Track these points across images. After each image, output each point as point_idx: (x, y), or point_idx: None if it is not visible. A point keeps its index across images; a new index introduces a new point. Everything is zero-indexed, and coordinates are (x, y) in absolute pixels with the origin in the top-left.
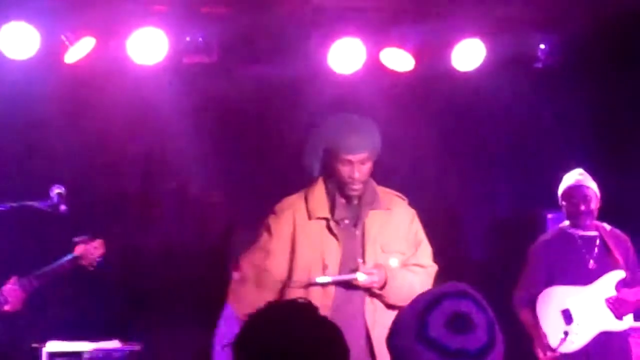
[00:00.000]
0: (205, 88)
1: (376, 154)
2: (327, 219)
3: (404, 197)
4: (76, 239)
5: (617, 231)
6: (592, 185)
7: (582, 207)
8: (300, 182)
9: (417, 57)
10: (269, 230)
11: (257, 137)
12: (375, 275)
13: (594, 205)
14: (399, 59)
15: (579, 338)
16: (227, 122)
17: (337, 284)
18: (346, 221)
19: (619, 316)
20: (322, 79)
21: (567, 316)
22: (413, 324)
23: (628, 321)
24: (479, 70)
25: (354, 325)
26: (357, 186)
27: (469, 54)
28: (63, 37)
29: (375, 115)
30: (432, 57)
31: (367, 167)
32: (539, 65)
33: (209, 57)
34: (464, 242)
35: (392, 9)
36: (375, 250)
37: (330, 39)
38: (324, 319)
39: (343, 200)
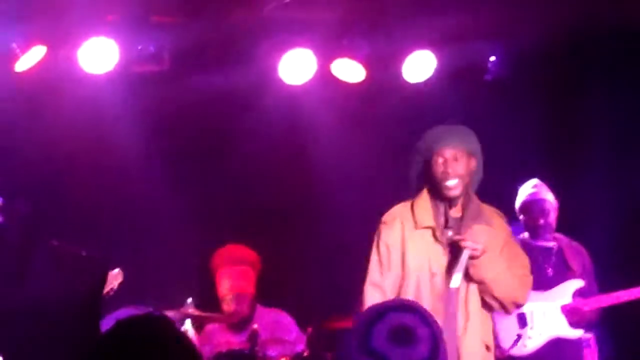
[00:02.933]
0: (156, 96)
1: (472, 154)
2: (432, 228)
3: (502, 214)
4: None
5: (575, 243)
6: (549, 197)
7: (541, 221)
8: (250, 190)
9: (368, 68)
10: (384, 241)
11: (208, 146)
12: (479, 243)
13: (552, 217)
14: (350, 70)
15: (532, 342)
16: (178, 130)
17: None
18: (449, 232)
19: (573, 324)
20: (273, 89)
21: (522, 320)
22: (357, 335)
23: (581, 330)
24: (429, 82)
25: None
26: (452, 182)
27: (419, 66)
28: (14, 45)
29: (325, 125)
30: (383, 68)
31: (462, 164)
32: (489, 77)
33: (159, 65)
34: None
35: (342, 20)
36: None
37: (281, 49)
38: (181, 334)
39: (444, 214)
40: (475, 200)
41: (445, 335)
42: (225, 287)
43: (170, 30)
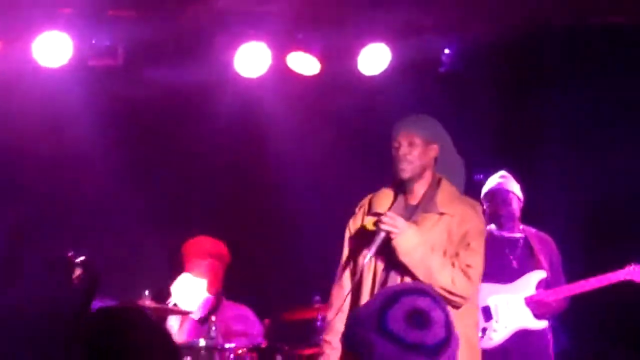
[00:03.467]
0: (111, 91)
1: (432, 142)
2: (380, 214)
3: (476, 205)
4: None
5: (542, 234)
6: (514, 188)
7: (502, 211)
8: (207, 185)
9: (323, 61)
10: (348, 229)
11: (164, 140)
12: (397, 220)
13: (515, 208)
14: (305, 63)
15: (497, 335)
16: (133, 125)
17: (378, 253)
18: None
19: (537, 315)
20: (228, 82)
21: (487, 313)
22: (373, 318)
23: (545, 321)
24: (384, 74)
25: None
26: (404, 165)
27: (374, 58)
28: None
29: (281, 118)
30: (338, 61)
31: (417, 150)
32: (443, 70)
33: (114, 60)
34: None
35: (297, 13)
36: None
37: (235, 43)
38: (155, 324)
39: (403, 202)
40: (446, 190)
41: None
42: None
43: (125, 24)
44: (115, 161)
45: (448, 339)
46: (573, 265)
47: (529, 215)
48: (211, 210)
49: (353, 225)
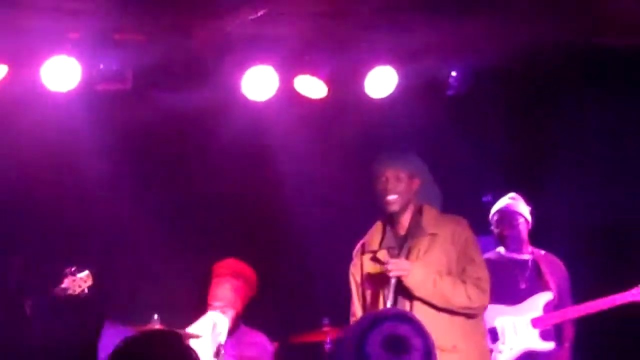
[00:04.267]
0: (120, 115)
1: (415, 175)
2: (375, 251)
3: (461, 220)
4: (65, 271)
5: (552, 256)
6: (523, 210)
7: (507, 232)
8: (215, 207)
9: (330, 84)
10: (351, 273)
11: (172, 163)
12: (401, 263)
13: (522, 229)
14: (312, 86)
15: (502, 356)
16: (142, 149)
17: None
18: (384, 251)
19: (545, 337)
20: (236, 106)
21: (494, 334)
22: (354, 340)
23: (552, 342)
24: (391, 98)
25: None
26: (392, 197)
27: (381, 81)
28: None
29: (288, 141)
30: (345, 84)
31: (403, 183)
32: (451, 92)
33: (122, 84)
34: None
35: (305, 36)
36: None
37: (243, 66)
38: (187, 348)
39: (392, 234)
40: (428, 213)
41: None
42: (213, 294)
43: (133, 48)
44: (124, 184)
45: None
46: (582, 286)
47: (538, 236)
48: (219, 232)
49: (356, 272)
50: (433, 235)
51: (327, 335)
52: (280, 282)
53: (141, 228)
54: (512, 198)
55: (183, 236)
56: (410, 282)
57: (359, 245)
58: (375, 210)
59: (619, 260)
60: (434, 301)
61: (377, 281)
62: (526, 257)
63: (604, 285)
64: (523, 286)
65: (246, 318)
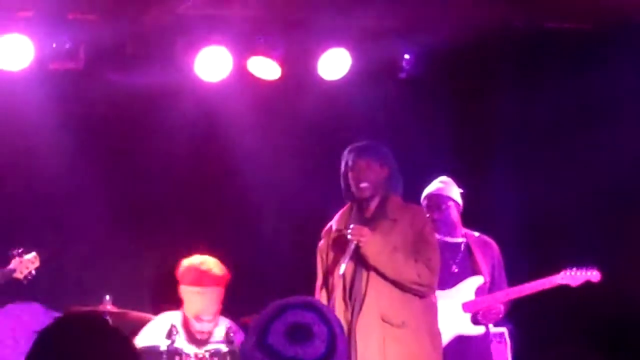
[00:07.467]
0: (73, 94)
1: (384, 165)
2: (340, 229)
3: (418, 206)
4: (12, 252)
5: (486, 238)
6: (453, 194)
7: (436, 215)
8: (167, 187)
9: (284, 65)
10: (319, 250)
11: (125, 143)
12: (363, 229)
13: (451, 214)
14: (265, 68)
15: None
16: (94, 128)
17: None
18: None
19: (476, 321)
20: (189, 86)
21: None
22: (257, 331)
23: (483, 327)
24: (344, 80)
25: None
26: (364, 184)
27: (334, 63)
28: None
29: (242, 123)
30: (299, 66)
31: (374, 172)
32: (404, 75)
33: (75, 63)
34: None
35: (258, 18)
36: None
37: (196, 47)
38: (114, 330)
39: (358, 216)
40: (393, 201)
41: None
42: (192, 309)
43: (86, 27)
44: (75, 163)
45: (329, 354)
46: (518, 268)
47: (480, 217)
48: (171, 213)
49: (323, 251)
50: (394, 220)
51: None
52: (235, 264)
53: (92, 208)
54: (443, 182)
55: (135, 216)
56: (367, 250)
57: (328, 226)
58: (329, 190)
59: (554, 244)
60: (386, 272)
61: (338, 246)
62: (459, 239)
63: (540, 270)
64: (455, 270)
65: None
